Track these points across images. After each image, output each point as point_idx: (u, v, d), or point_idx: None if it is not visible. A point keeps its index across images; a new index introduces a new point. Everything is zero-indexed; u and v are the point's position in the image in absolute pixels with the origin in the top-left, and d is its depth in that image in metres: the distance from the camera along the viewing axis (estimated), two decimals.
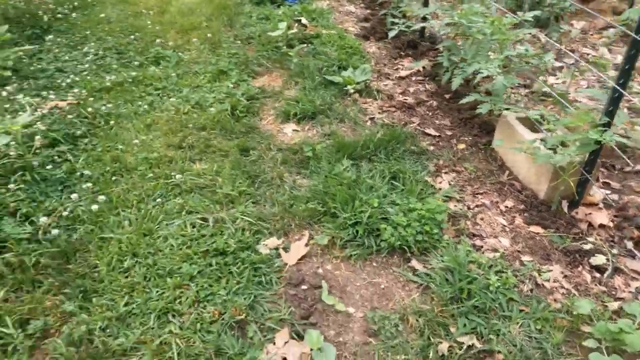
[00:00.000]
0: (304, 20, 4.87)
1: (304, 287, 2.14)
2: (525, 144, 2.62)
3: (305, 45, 4.43)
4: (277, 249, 2.31)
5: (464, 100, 3.14)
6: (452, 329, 1.95)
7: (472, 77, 3.42)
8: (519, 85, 3.84)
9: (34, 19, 4.51)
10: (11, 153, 2.52)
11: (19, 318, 1.90)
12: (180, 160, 2.88)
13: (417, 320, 1.98)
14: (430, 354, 1.86)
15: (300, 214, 2.49)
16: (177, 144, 3.02)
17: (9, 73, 3.51)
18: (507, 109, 2.96)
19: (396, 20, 4.48)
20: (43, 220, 2.26)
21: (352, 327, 1.99)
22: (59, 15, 4.78)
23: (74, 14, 4.90)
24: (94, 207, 2.39)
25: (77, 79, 3.67)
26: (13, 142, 2.57)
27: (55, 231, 2.24)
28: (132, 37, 4.47)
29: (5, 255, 2.11)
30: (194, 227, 2.41)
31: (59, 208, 2.38)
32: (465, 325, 1.96)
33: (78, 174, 2.67)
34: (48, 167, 2.61)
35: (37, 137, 2.67)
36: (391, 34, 4.37)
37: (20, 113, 2.92)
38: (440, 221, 2.38)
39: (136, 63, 4.03)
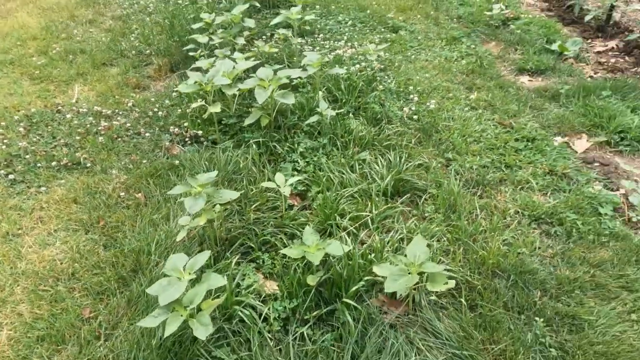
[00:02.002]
0: (502, 5, 5.84)
1: (595, 164, 3.10)
2: None
3: (510, 23, 5.40)
4: (566, 143, 3.28)
5: None
6: None
7: None
8: None
9: None
10: (368, 70, 3.71)
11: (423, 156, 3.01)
12: (457, 90, 3.94)
13: None
14: None
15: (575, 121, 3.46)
16: (451, 80, 4.10)
17: (308, 27, 4.77)
18: None
19: (589, 7, 5.34)
20: (405, 110, 3.39)
21: None
22: None
23: None
24: (431, 107, 3.50)
25: (352, 35, 4.88)
26: (363, 64, 3.74)
27: (415, 116, 3.36)
28: (367, 12, 5.65)
29: (390, 126, 3.26)
30: (496, 128, 3.44)
31: (405, 108, 3.51)
32: None
33: (410, 88, 3.81)
34: (384, 82, 3.78)
35: (376, 64, 3.84)
36: (587, 17, 5.24)
37: (330, 53, 4.11)
38: None
39: (383, 29, 5.19)
